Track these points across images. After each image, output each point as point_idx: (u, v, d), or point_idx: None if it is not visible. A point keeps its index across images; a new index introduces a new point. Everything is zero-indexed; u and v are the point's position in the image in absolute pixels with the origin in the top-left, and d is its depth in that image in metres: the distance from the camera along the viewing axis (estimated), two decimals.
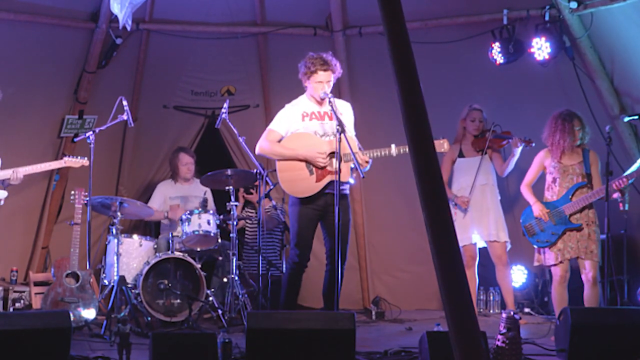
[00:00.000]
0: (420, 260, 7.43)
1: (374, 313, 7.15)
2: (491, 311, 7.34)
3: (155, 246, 6.68)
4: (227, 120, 6.63)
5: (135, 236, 6.67)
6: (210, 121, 7.83)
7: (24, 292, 6.82)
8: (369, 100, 7.72)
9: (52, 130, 7.55)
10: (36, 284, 6.78)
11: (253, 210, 7.48)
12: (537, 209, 6.08)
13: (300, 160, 5.63)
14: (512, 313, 4.65)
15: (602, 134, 6.19)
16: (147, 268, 6.26)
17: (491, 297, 7.39)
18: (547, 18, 6.74)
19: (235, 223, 6.47)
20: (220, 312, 6.24)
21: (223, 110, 6.61)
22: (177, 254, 6.39)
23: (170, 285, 6.30)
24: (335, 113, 5.39)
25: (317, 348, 4.59)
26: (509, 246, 6.78)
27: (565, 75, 7.02)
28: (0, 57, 6.92)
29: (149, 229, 7.67)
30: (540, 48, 6.74)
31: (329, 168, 5.57)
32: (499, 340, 4.59)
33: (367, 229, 7.95)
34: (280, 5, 7.60)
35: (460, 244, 6.66)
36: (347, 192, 5.68)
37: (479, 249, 6.86)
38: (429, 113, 1.78)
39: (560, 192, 6.04)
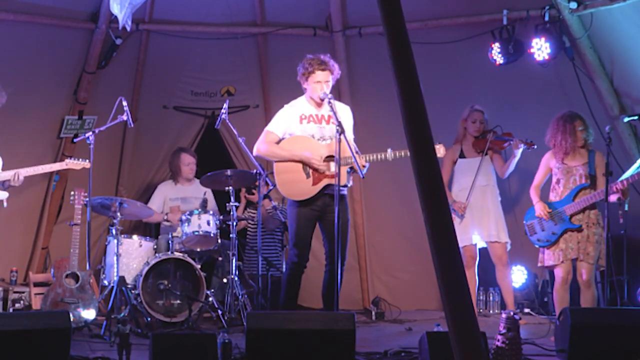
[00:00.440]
0: (420, 261, 7.42)
1: (373, 313, 7.15)
2: (491, 311, 7.34)
3: (155, 247, 6.68)
4: (227, 121, 6.63)
5: (135, 237, 6.67)
6: (210, 121, 7.83)
7: (23, 292, 6.82)
8: (369, 100, 7.72)
9: (51, 131, 7.55)
10: (36, 284, 6.77)
11: (255, 211, 7.47)
12: (539, 208, 6.10)
13: (297, 162, 5.64)
14: (511, 313, 4.65)
15: (602, 135, 6.18)
16: (146, 268, 6.26)
17: (491, 298, 7.39)
18: (546, 18, 6.74)
19: (235, 224, 6.47)
20: (220, 312, 6.24)
21: (223, 110, 6.61)
22: (177, 255, 6.38)
23: (170, 285, 6.30)
24: (334, 114, 5.40)
25: (317, 348, 4.60)
26: (509, 247, 6.79)
27: (565, 75, 7.03)
28: (0, 58, 6.92)
29: (149, 229, 7.67)
30: (540, 48, 6.75)
31: (326, 172, 5.58)
32: (498, 340, 4.59)
33: (367, 229, 7.96)
34: (280, 5, 7.60)
35: (461, 245, 6.66)
36: (345, 192, 5.68)
37: (479, 249, 6.86)
38: (428, 113, 1.78)
39: (563, 193, 6.04)
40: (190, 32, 7.63)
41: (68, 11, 7.20)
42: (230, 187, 6.48)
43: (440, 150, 5.58)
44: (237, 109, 7.78)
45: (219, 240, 6.60)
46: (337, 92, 7.40)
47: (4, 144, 6.74)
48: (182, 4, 7.52)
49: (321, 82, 5.61)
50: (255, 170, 6.37)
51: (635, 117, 6.32)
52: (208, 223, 6.52)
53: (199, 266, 6.40)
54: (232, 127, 6.55)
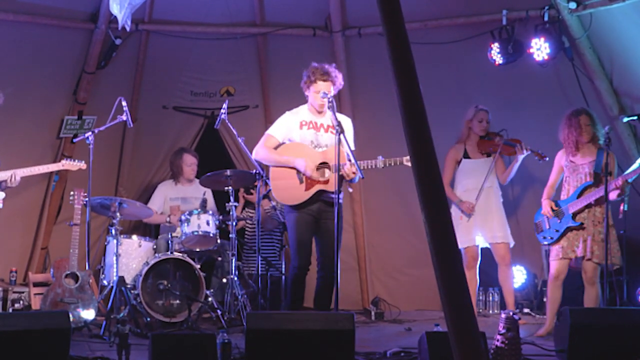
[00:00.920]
0: (419, 261, 7.42)
1: (373, 313, 7.15)
2: (490, 311, 7.35)
3: (155, 247, 6.68)
4: (227, 121, 6.63)
5: (134, 237, 6.67)
6: (209, 122, 7.82)
7: (23, 292, 6.82)
8: (368, 100, 7.73)
9: (51, 131, 7.54)
10: (35, 284, 6.77)
11: (253, 211, 7.47)
12: (544, 205, 6.10)
13: (292, 168, 5.72)
14: (511, 313, 4.65)
15: (602, 135, 6.18)
16: (146, 269, 6.26)
17: (490, 298, 7.39)
18: (546, 18, 6.74)
19: (234, 223, 6.47)
20: (219, 312, 6.24)
21: (222, 110, 6.61)
22: (177, 255, 6.38)
23: (169, 285, 6.30)
24: (334, 114, 5.45)
25: (317, 349, 4.60)
26: (511, 244, 6.76)
27: (565, 75, 7.03)
28: None
29: (149, 229, 7.67)
30: (540, 48, 6.75)
31: (319, 179, 5.66)
32: (498, 340, 4.59)
33: (366, 230, 7.96)
34: (279, 5, 7.60)
35: (463, 246, 6.66)
36: (342, 201, 5.69)
37: (480, 249, 6.85)
38: (428, 113, 1.78)
39: (569, 190, 6.03)
40: (190, 33, 7.63)
41: (68, 11, 7.20)
42: (230, 187, 6.49)
43: None
44: (237, 109, 7.78)
45: (219, 241, 6.61)
46: (337, 93, 7.39)
47: (4, 144, 6.74)
48: (181, 4, 7.52)
49: (321, 91, 5.68)
50: (254, 171, 6.37)
51: (635, 117, 6.32)
52: (207, 223, 6.52)
53: (198, 266, 6.40)
54: (231, 127, 6.54)
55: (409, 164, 5.45)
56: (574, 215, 5.92)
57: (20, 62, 7.14)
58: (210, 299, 6.33)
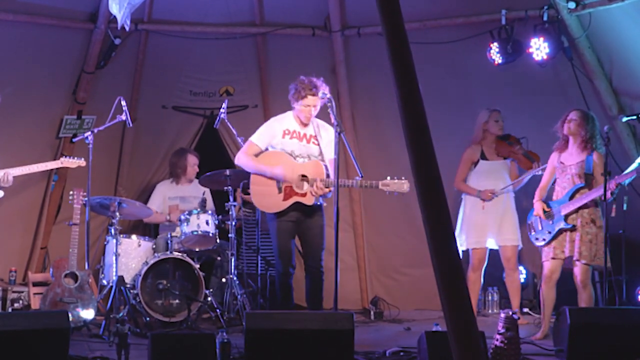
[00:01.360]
0: (419, 261, 7.41)
1: (372, 313, 7.15)
2: (490, 311, 7.35)
3: (154, 246, 6.68)
4: (226, 121, 6.62)
5: (133, 236, 6.67)
6: (209, 121, 7.82)
7: (22, 292, 6.82)
8: (368, 100, 7.73)
9: (50, 131, 7.54)
10: (35, 284, 6.77)
11: (250, 211, 7.47)
12: (536, 207, 6.09)
13: (271, 179, 5.82)
14: (510, 313, 4.65)
15: (601, 135, 6.18)
16: (145, 268, 6.26)
17: (489, 297, 7.39)
18: (545, 18, 6.74)
19: (234, 223, 6.47)
20: (219, 312, 6.24)
21: (222, 110, 6.60)
22: (176, 254, 6.38)
23: (169, 285, 6.30)
24: (333, 114, 5.50)
25: (316, 348, 4.60)
26: (520, 246, 6.74)
27: (564, 75, 7.03)
28: None
29: (148, 229, 7.67)
30: (539, 48, 6.75)
31: (298, 191, 5.74)
32: (497, 340, 4.60)
33: (365, 229, 7.96)
34: (279, 5, 7.60)
35: (473, 247, 6.65)
36: (322, 202, 5.86)
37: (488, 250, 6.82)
38: (427, 113, 1.79)
39: (558, 191, 6.02)
40: (189, 32, 7.63)
41: (67, 11, 7.20)
42: (229, 187, 6.49)
43: (404, 186, 5.68)
44: (236, 108, 7.78)
45: (218, 240, 6.61)
46: (336, 92, 7.40)
47: (3, 143, 6.73)
48: (181, 4, 7.52)
49: (310, 106, 5.79)
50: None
51: (634, 117, 6.31)
52: (207, 223, 6.52)
53: (197, 266, 6.41)
54: (231, 126, 6.54)
55: (385, 188, 5.64)
56: (567, 217, 5.89)
57: (20, 62, 7.14)
58: (209, 298, 6.33)
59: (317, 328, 4.64)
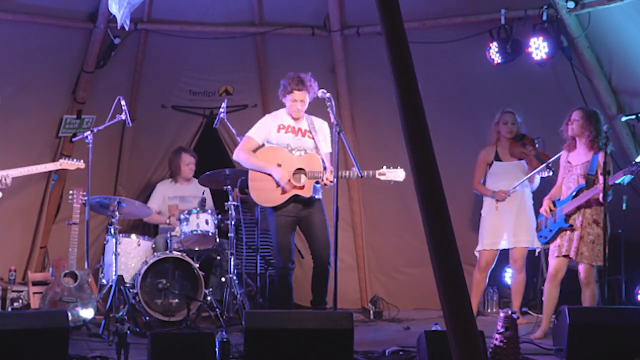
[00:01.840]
0: (418, 260, 7.42)
1: (372, 312, 7.15)
2: (489, 310, 7.35)
3: (154, 246, 6.68)
4: (225, 120, 6.62)
5: (133, 236, 6.68)
6: (208, 121, 7.82)
7: (22, 291, 6.82)
8: (367, 100, 7.73)
9: (50, 130, 7.54)
10: (34, 283, 6.78)
11: (248, 210, 7.48)
12: (543, 205, 6.09)
13: (268, 175, 5.93)
14: (509, 312, 4.66)
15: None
16: (145, 268, 6.26)
17: (489, 297, 7.38)
18: (544, 18, 6.73)
19: (233, 223, 6.48)
20: (218, 311, 6.25)
21: (221, 110, 6.60)
22: (176, 254, 6.39)
23: (168, 284, 6.31)
24: (332, 113, 5.54)
25: (315, 348, 4.60)
26: (538, 248, 6.71)
27: (563, 75, 7.03)
28: None
29: (148, 228, 7.67)
30: (538, 48, 6.74)
31: (295, 185, 5.84)
32: (496, 339, 4.60)
33: (365, 229, 7.96)
34: (278, 5, 7.60)
35: (483, 248, 6.63)
36: (320, 197, 5.97)
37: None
38: (426, 113, 1.79)
39: (564, 191, 6.01)
40: (189, 32, 7.63)
41: (66, 11, 7.20)
42: (229, 187, 6.50)
43: (400, 174, 5.79)
44: (236, 108, 7.78)
45: (217, 240, 6.61)
46: (335, 92, 7.41)
47: (3, 143, 6.73)
48: (180, 3, 7.52)
49: (297, 100, 5.93)
50: None
51: (633, 117, 6.31)
52: (206, 222, 6.52)
53: (197, 265, 6.41)
54: (230, 126, 6.55)
55: (382, 177, 5.77)
56: (567, 216, 5.89)
57: (19, 62, 7.13)
58: (209, 298, 6.34)
59: (317, 327, 4.64)
